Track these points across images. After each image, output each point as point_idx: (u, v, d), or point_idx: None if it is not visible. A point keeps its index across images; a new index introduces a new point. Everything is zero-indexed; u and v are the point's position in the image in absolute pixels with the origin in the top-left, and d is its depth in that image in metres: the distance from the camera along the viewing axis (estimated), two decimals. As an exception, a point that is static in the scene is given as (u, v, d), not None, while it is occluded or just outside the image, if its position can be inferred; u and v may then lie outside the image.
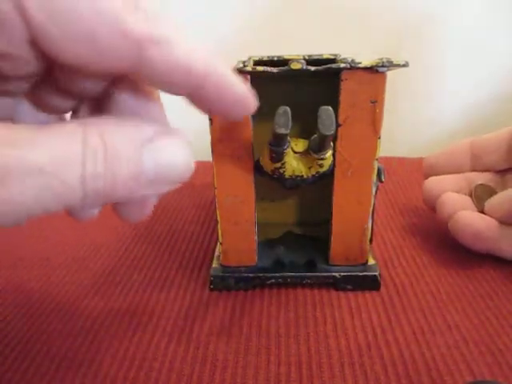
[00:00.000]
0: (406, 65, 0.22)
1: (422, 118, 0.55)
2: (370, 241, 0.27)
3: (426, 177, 0.32)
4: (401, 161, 0.47)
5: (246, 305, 0.25)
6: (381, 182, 0.25)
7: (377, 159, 0.24)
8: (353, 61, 0.22)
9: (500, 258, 0.28)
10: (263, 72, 0.22)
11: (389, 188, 0.41)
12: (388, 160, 0.46)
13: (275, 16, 0.48)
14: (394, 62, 0.21)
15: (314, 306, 0.25)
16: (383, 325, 0.23)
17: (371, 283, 0.26)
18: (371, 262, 0.27)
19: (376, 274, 0.26)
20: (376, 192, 0.26)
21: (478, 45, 0.52)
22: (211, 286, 0.26)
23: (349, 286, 0.26)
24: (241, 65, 0.22)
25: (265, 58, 0.24)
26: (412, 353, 0.21)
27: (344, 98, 0.23)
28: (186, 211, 0.37)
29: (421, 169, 0.45)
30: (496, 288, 0.26)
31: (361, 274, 0.26)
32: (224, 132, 0.24)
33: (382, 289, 0.26)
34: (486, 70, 0.53)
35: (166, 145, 0.13)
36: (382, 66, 0.21)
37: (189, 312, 0.25)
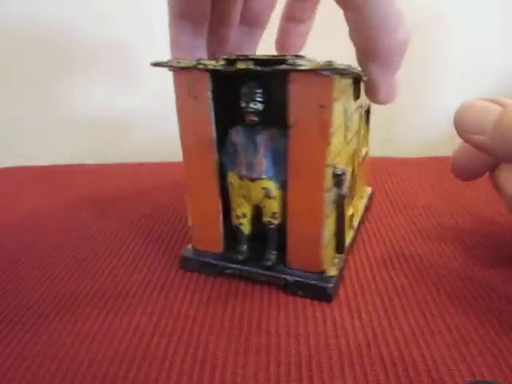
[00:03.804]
0: (347, 70, 0.20)
1: (422, 118, 0.55)
2: (339, 250, 0.26)
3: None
4: (401, 161, 0.47)
5: (246, 305, 0.25)
6: (340, 193, 0.24)
7: (334, 167, 0.23)
8: (295, 63, 0.21)
9: (499, 256, 0.28)
10: (215, 69, 0.23)
11: (389, 188, 0.41)
12: (388, 160, 0.46)
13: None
14: (334, 66, 0.20)
15: (313, 306, 0.25)
16: (383, 325, 0.23)
17: (321, 294, 0.25)
18: (331, 272, 0.25)
19: (328, 286, 0.25)
20: (340, 202, 0.24)
21: (478, 44, 0.52)
22: (180, 265, 0.28)
23: (299, 292, 0.25)
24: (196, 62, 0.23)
25: (241, 57, 0.24)
26: (412, 353, 0.21)
27: (292, 100, 0.22)
28: (186, 211, 0.37)
29: (421, 169, 0.45)
30: (496, 289, 0.26)
31: (312, 282, 0.25)
32: (189, 127, 0.25)
33: (382, 289, 0.26)
34: (486, 70, 0.53)
35: None
36: (323, 70, 0.20)
37: (189, 312, 0.25)
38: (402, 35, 0.22)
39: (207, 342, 0.22)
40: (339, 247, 0.26)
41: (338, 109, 0.22)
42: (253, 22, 0.29)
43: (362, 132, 0.32)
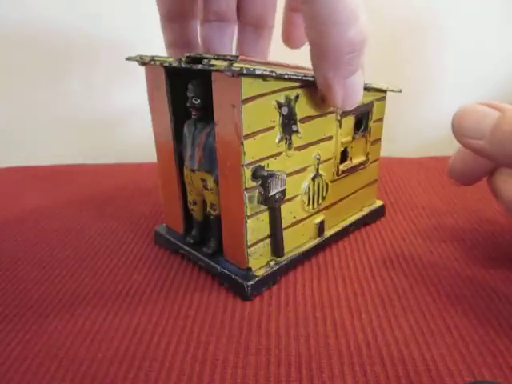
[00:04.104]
0: (254, 72, 0.21)
1: (422, 118, 0.55)
2: (276, 254, 0.26)
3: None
4: (401, 161, 0.47)
5: (247, 305, 0.25)
6: (268, 196, 0.24)
7: (259, 167, 0.24)
8: (207, 62, 0.22)
9: (499, 256, 0.28)
10: (167, 65, 0.25)
11: (389, 188, 0.41)
12: (388, 160, 0.46)
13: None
14: (233, 68, 0.20)
15: (314, 306, 0.25)
16: (383, 325, 0.23)
17: (241, 291, 0.25)
18: (258, 272, 0.26)
19: (246, 283, 0.25)
20: (270, 204, 0.25)
21: (477, 45, 0.52)
22: (154, 240, 0.32)
23: (225, 284, 0.26)
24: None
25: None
26: (412, 353, 0.21)
27: (214, 98, 0.23)
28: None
29: (421, 169, 0.45)
30: (496, 289, 0.26)
31: (234, 277, 0.26)
32: (156, 116, 0.28)
33: (382, 289, 0.26)
34: (486, 70, 0.53)
35: None
36: (226, 70, 0.21)
37: (189, 312, 0.25)
38: (354, 33, 0.21)
39: (207, 341, 0.22)
40: (276, 251, 0.27)
41: (256, 109, 0.22)
42: (256, 23, 0.30)
43: (349, 139, 0.30)
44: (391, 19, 0.50)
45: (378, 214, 0.35)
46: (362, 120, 0.30)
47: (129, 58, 0.27)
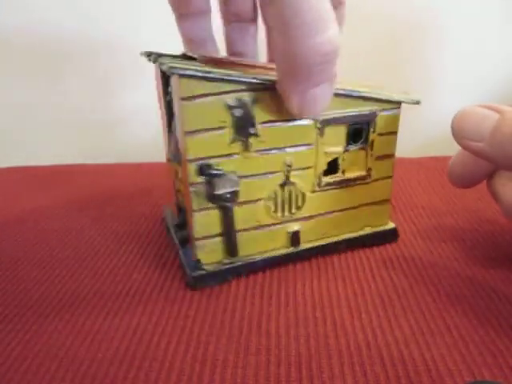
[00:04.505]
0: (174, 71, 0.22)
1: (422, 118, 0.55)
2: (228, 253, 0.27)
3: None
4: (401, 161, 0.47)
5: (246, 305, 0.25)
6: (213, 193, 0.25)
7: (205, 164, 0.24)
8: (161, 61, 0.23)
9: (499, 256, 0.28)
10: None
11: (389, 188, 0.41)
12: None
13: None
14: (169, 68, 0.22)
15: (314, 305, 0.25)
16: (383, 325, 0.23)
17: (187, 280, 0.27)
18: (207, 267, 0.27)
19: (190, 274, 0.26)
20: (218, 202, 0.25)
21: (477, 45, 0.52)
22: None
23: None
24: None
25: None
26: (412, 353, 0.21)
27: (172, 93, 0.25)
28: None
29: (421, 169, 0.45)
30: (496, 289, 0.26)
31: (185, 266, 0.27)
32: (159, 108, 0.30)
33: (382, 289, 0.26)
34: (486, 70, 0.53)
35: None
36: (165, 70, 0.22)
37: (189, 312, 0.25)
38: (322, 41, 0.19)
39: (207, 341, 0.22)
40: (228, 250, 0.27)
41: (200, 108, 0.23)
42: (240, 18, 0.30)
43: (339, 150, 0.27)
44: (391, 19, 0.50)
45: (385, 237, 0.31)
46: (362, 131, 0.27)
47: (144, 53, 0.29)
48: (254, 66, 0.25)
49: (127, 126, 0.57)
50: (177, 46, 0.31)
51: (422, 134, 0.56)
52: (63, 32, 0.52)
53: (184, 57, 0.25)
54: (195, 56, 0.27)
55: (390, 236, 0.31)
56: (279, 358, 0.21)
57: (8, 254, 0.31)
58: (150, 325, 0.24)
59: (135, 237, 0.33)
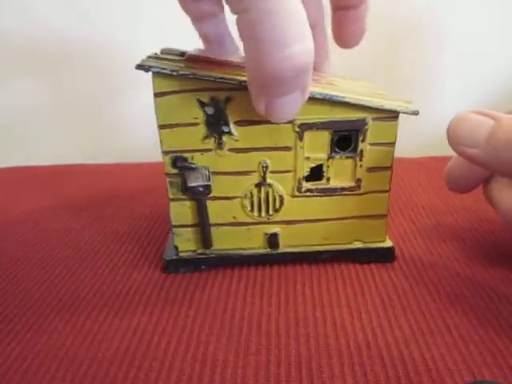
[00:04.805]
0: (149, 69, 0.23)
1: (422, 119, 0.55)
2: (203, 244, 0.28)
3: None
4: (401, 161, 0.47)
5: (246, 305, 0.25)
6: (187, 186, 0.27)
7: (180, 157, 0.26)
8: (142, 65, 0.24)
9: (499, 256, 0.28)
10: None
11: (389, 188, 0.41)
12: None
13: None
14: (144, 65, 0.23)
15: (314, 305, 0.25)
16: (383, 325, 0.23)
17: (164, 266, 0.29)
18: (181, 254, 0.28)
19: (165, 259, 0.28)
20: (190, 194, 0.27)
21: (477, 45, 0.52)
22: None
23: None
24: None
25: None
26: (412, 353, 0.21)
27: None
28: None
29: (421, 169, 0.45)
30: (496, 289, 0.26)
31: (165, 250, 0.29)
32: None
33: (382, 289, 0.26)
34: (486, 70, 0.53)
35: None
36: (142, 67, 0.23)
37: (189, 312, 0.25)
38: (289, 56, 0.18)
39: (207, 341, 0.22)
40: (202, 241, 0.28)
41: (172, 104, 0.24)
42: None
43: (322, 156, 0.26)
44: (391, 19, 0.50)
45: (380, 255, 0.29)
46: (351, 139, 0.26)
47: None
48: (238, 67, 0.24)
49: (127, 126, 0.57)
50: (177, 47, 0.31)
51: (422, 134, 0.56)
52: (63, 32, 0.52)
53: (182, 55, 0.26)
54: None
55: (385, 255, 0.29)
56: (279, 358, 0.21)
57: (8, 254, 0.31)
58: (150, 325, 0.24)
59: (135, 237, 0.33)
